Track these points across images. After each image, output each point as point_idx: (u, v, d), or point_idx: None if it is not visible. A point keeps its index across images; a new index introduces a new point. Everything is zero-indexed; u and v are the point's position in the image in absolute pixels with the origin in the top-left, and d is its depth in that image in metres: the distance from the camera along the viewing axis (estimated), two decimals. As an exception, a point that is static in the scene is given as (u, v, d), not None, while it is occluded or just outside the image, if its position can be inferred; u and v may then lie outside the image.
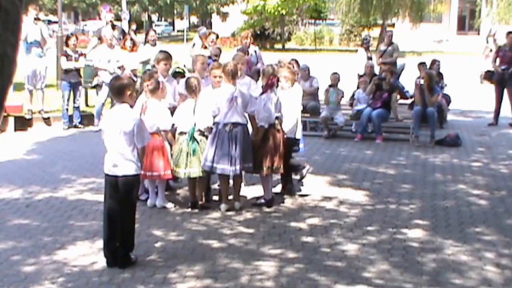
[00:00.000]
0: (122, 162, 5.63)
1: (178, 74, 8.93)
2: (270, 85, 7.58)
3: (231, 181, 7.65)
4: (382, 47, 15.16)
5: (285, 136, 7.76)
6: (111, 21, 13.44)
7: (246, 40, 12.49)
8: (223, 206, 7.44)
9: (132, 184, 5.72)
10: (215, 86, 7.78)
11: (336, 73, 12.33)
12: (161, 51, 10.04)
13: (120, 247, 5.70)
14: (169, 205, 7.57)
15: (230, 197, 7.60)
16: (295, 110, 7.98)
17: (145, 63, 12.67)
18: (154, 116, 7.23)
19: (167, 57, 8.51)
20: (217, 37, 14.17)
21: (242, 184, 8.06)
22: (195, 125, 7.31)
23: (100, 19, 15.02)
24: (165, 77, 8.28)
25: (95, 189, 8.10)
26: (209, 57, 13.12)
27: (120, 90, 5.68)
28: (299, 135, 8.13)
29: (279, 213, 7.41)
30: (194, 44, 14.36)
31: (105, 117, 5.93)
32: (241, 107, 7.29)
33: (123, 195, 5.67)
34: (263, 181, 7.74)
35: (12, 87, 2.50)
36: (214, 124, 7.30)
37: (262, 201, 7.67)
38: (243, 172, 7.66)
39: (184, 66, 12.29)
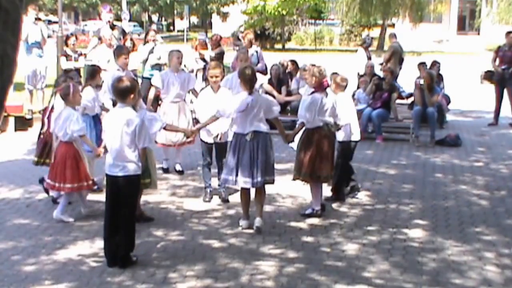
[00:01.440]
0: (123, 163, 5.63)
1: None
2: (323, 87, 7.19)
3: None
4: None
5: (335, 141, 7.43)
6: (109, 21, 13.44)
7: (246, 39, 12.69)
8: (244, 223, 6.79)
9: (133, 184, 5.72)
10: (213, 86, 7.77)
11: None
12: (118, 46, 10.42)
13: (120, 247, 5.71)
14: (69, 219, 6.98)
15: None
16: (349, 113, 7.73)
17: (144, 62, 12.70)
18: (65, 123, 6.84)
19: (127, 51, 9.30)
20: (220, 38, 14.27)
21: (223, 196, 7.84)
22: None
23: (100, 19, 15.02)
24: (124, 70, 8.84)
25: (95, 189, 8.08)
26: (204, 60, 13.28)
27: (124, 93, 5.67)
28: (355, 137, 7.89)
29: (279, 213, 7.41)
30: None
31: (107, 118, 5.91)
32: (262, 114, 6.71)
33: (123, 195, 5.67)
34: (311, 188, 7.28)
35: (12, 87, 2.50)
36: (234, 134, 6.79)
37: (310, 210, 7.24)
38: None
39: (185, 66, 12.34)
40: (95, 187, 7.61)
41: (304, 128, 7.16)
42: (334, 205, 7.70)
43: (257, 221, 6.71)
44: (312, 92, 7.17)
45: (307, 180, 7.25)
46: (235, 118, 6.72)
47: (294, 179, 7.41)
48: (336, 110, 7.28)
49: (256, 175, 6.59)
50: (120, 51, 9.11)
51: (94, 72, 8.22)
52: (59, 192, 7.26)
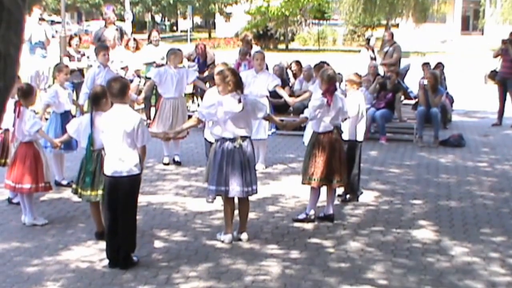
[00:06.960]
0: (122, 162, 5.61)
1: None
2: (332, 91, 6.94)
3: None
4: (386, 47, 15.13)
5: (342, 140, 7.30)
6: (113, 21, 13.42)
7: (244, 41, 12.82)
8: (228, 238, 6.34)
9: (132, 184, 5.68)
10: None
11: (339, 73, 12.31)
12: (98, 44, 10.97)
13: (121, 247, 5.69)
14: (41, 221, 6.89)
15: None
16: (357, 111, 7.62)
17: (148, 64, 12.70)
18: (22, 124, 6.76)
19: (106, 48, 9.71)
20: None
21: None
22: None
23: (103, 19, 15.04)
24: (105, 67, 9.23)
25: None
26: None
27: (123, 91, 5.66)
28: (360, 137, 7.77)
29: (283, 213, 7.39)
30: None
31: (104, 118, 5.88)
32: (250, 117, 6.35)
33: (123, 195, 5.64)
34: (312, 193, 7.05)
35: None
36: (217, 140, 6.31)
37: (303, 216, 7.06)
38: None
39: (187, 67, 12.37)
40: (65, 182, 8.25)
41: (313, 132, 7.01)
42: (338, 205, 7.67)
43: (244, 237, 6.43)
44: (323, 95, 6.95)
45: (325, 184, 6.97)
46: (218, 121, 6.22)
47: (304, 183, 7.04)
48: (344, 108, 7.16)
49: (250, 182, 6.26)
50: (99, 49, 9.54)
51: (59, 69, 8.41)
52: (16, 193, 7.22)
